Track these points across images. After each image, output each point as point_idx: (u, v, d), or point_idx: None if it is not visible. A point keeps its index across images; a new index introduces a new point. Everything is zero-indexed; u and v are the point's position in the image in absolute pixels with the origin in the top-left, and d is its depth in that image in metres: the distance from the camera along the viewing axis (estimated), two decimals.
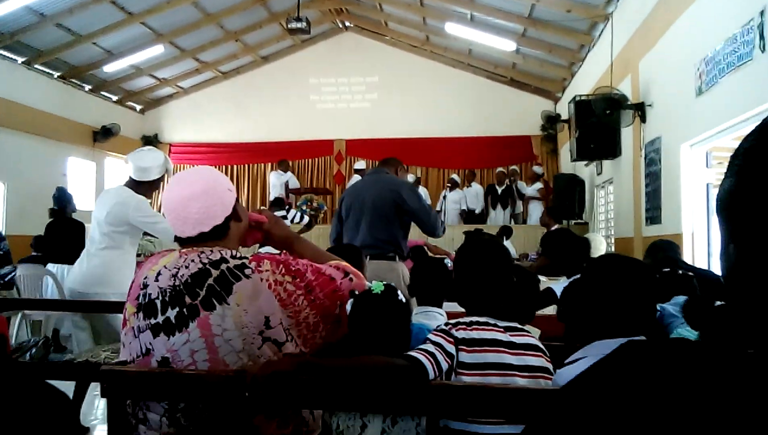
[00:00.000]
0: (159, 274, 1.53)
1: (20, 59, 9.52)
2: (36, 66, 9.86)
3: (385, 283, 1.66)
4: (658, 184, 5.80)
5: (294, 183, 11.42)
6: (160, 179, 3.59)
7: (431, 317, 2.26)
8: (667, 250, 3.37)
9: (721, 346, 0.55)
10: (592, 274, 1.55)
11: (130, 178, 3.51)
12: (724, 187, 0.60)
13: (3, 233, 4.92)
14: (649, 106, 6.18)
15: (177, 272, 1.52)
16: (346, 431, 1.53)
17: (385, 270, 3.42)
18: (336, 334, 1.64)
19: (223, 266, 1.51)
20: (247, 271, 1.50)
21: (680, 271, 2.52)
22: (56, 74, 10.42)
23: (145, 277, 1.55)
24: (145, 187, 3.51)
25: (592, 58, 8.85)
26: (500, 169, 11.36)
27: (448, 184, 11.17)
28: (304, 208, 6.38)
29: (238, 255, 1.56)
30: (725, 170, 0.61)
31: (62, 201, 5.95)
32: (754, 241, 0.55)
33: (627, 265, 1.52)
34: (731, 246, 0.59)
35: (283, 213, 6.36)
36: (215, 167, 12.91)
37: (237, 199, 1.67)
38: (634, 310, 1.47)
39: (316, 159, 12.98)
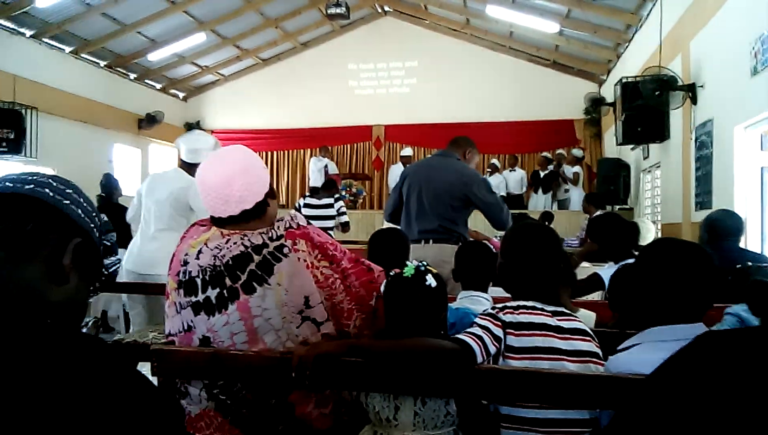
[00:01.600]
0: (200, 251, 1.54)
1: (68, 49, 9.76)
2: (83, 55, 10.10)
3: (416, 265, 1.62)
4: (710, 168, 5.60)
5: (332, 168, 11.44)
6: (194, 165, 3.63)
7: (476, 302, 2.23)
8: (724, 231, 3.19)
9: None
10: (648, 258, 1.49)
11: (182, 160, 3.56)
12: None
13: (110, 224, 5.06)
14: (701, 87, 5.96)
15: (218, 252, 1.51)
16: (381, 412, 1.52)
17: (449, 254, 3.38)
18: (371, 328, 1.63)
19: (265, 251, 1.50)
20: (285, 250, 1.50)
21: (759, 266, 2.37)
22: (102, 63, 10.65)
23: (186, 254, 1.55)
24: (195, 170, 3.55)
25: (639, 38, 8.57)
26: (544, 153, 11.12)
27: (489, 169, 11.04)
28: (343, 193, 6.33)
29: (275, 235, 1.54)
30: None
31: (109, 187, 6.10)
32: None
33: (684, 249, 1.46)
34: None
35: (330, 201, 6.28)
36: (257, 153, 13.17)
37: (270, 176, 1.68)
38: (692, 295, 1.41)
39: (355, 145, 12.99)
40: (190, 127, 13.32)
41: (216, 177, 1.56)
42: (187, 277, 1.52)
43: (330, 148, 11.94)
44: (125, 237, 3.76)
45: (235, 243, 1.52)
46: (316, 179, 11.02)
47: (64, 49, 9.70)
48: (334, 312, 1.53)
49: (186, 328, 1.52)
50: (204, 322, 1.49)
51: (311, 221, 5.82)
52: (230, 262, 1.49)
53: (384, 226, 3.25)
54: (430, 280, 1.61)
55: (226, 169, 1.56)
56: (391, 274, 1.62)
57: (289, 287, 1.46)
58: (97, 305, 5.29)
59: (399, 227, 3.52)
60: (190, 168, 3.52)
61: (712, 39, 5.66)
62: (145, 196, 3.58)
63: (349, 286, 1.54)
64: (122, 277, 3.64)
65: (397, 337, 1.55)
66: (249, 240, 1.53)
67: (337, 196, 6.49)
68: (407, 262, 1.61)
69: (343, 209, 6.38)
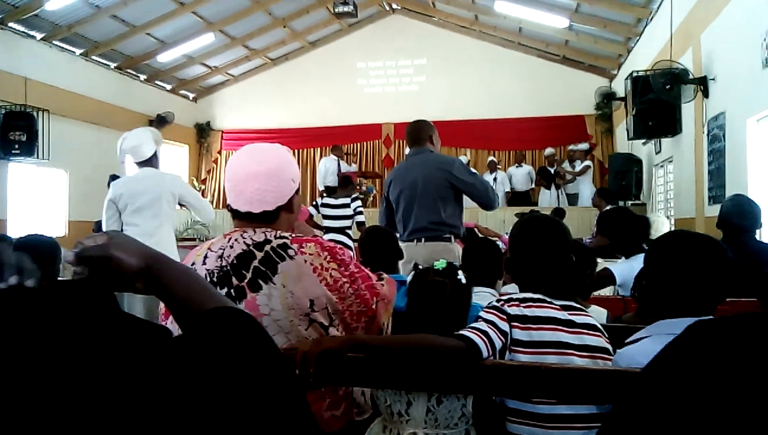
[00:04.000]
0: (206, 256, 1.54)
1: (78, 51, 9.83)
2: (93, 57, 10.17)
3: (447, 261, 1.64)
4: (722, 162, 5.53)
5: (345, 167, 11.42)
6: (155, 156, 3.77)
7: (483, 299, 2.21)
8: (741, 216, 3.12)
9: None
10: (659, 250, 1.47)
11: (138, 163, 3.69)
12: None
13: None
14: (712, 80, 5.89)
15: (222, 253, 1.52)
16: (393, 405, 1.51)
17: (441, 251, 3.36)
18: (369, 333, 1.62)
19: (267, 247, 1.50)
20: (290, 252, 1.49)
21: None
22: (113, 65, 10.73)
23: (193, 263, 1.56)
24: (155, 163, 3.77)
25: (649, 32, 8.49)
26: (550, 150, 11.03)
27: (489, 168, 11.00)
28: (360, 206, 6.29)
29: (279, 234, 1.54)
30: None
31: None
32: None
33: (696, 242, 1.43)
34: None
35: (347, 200, 6.25)
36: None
37: (297, 191, 1.63)
38: (703, 288, 1.38)
39: (365, 143, 12.97)
40: (200, 127, 13.40)
41: (238, 168, 1.56)
42: None
43: (342, 147, 11.94)
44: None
45: (236, 241, 1.53)
46: (327, 178, 11.01)
47: (74, 51, 9.77)
48: (343, 316, 1.52)
49: None
50: None
51: (330, 221, 5.78)
52: (235, 261, 1.49)
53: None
54: (461, 276, 1.61)
55: (251, 166, 1.55)
56: (419, 267, 1.63)
57: (294, 289, 1.46)
58: None
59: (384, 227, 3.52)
60: (149, 164, 3.71)
61: (722, 31, 5.60)
62: (130, 201, 3.65)
63: (358, 290, 1.53)
64: None
65: (418, 329, 1.55)
66: (251, 238, 1.53)
67: (354, 195, 6.46)
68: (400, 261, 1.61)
69: (360, 209, 6.34)
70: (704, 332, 0.54)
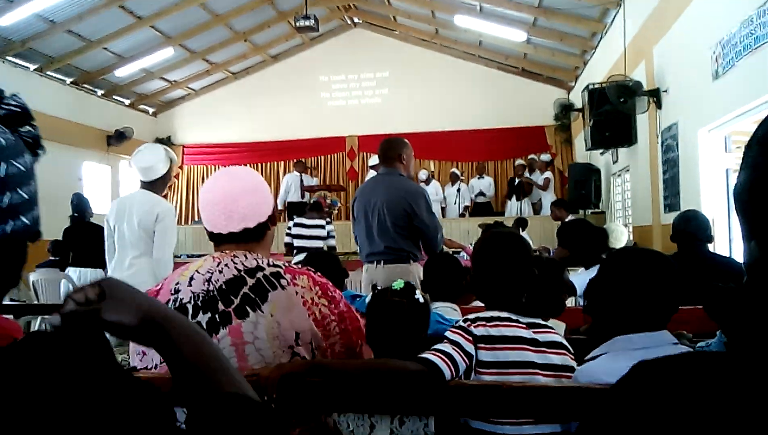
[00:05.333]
0: (192, 278, 1.49)
1: (32, 66, 9.60)
2: (48, 72, 9.95)
3: (405, 281, 1.65)
4: (676, 171, 5.70)
5: (307, 180, 11.39)
6: (171, 172, 3.58)
7: (444, 313, 2.23)
8: (693, 229, 3.21)
9: (736, 356, 0.51)
10: (611, 268, 1.51)
11: (141, 181, 3.50)
12: (740, 180, 0.55)
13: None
14: (665, 91, 6.08)
15: (210, 277, 1.48)
16: (356, 430, 1.51)
17: (400, 274, 3.37)
18: None
19: (259, 274, 1.47)
20: (283, 282, 1.47)
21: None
22: (69, 80, 10.50)
23: (177, 283, 1.51)
24: (158, 185, 3.52)
25: (604, 45, 8.73)
26: (519, 161, 11.22)
27: (451, 179, 11.13)
28: (333, 232, 6.27)
29: (273, 262, 1.52)
30: (740, 162, 0.56)
31: (81, 207, 6.02)
32: None
33: (646, 259, 1.47)
34: (752, 242, 0.54)
35: (321, 222, 6.22)
36: (227, 167, 13.05)
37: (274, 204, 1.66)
38: (655, 304, 1.42)
39: (329, 156, 12.96)
40: (160, 142, 13.18)
41: (222, 192, 1.54)
42: (177, 304, 1.47)
43: (304, 160, 11.91)
44: (99, 257, 3.69)
45: (227, 265, 1.49)
46: (290, 195, 10.95)
47: (28, 67, 9.54)
48: (324, 353, 1.50)
49: None
50: None
51: (303, 241, 5.65)
52: (223, 287, 1.46)
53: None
54: (419, 295, 1.62)
55: (234, 184, 1.55)
56: (378, 288, 1.63)
57: (281, 320, 1.43)
58: None
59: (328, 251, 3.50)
60: (152, 185, 3.49)
61: (674, 45, 5.79)
62: (116, 222, 3.50)
63: (345, 329, 1.51)
64: None
65: (380, 354, 1.54)
66: (242, 263, 1.49)
67: (328, 219, 6.45)
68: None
69: (333, 233, 6.33)
70: (647, 373, 0.55)
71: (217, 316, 1.43)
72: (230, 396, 0.72)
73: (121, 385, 0.63)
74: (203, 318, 1.44)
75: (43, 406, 0.55)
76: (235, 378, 0.76)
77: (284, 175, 13.04)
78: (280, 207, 10.63)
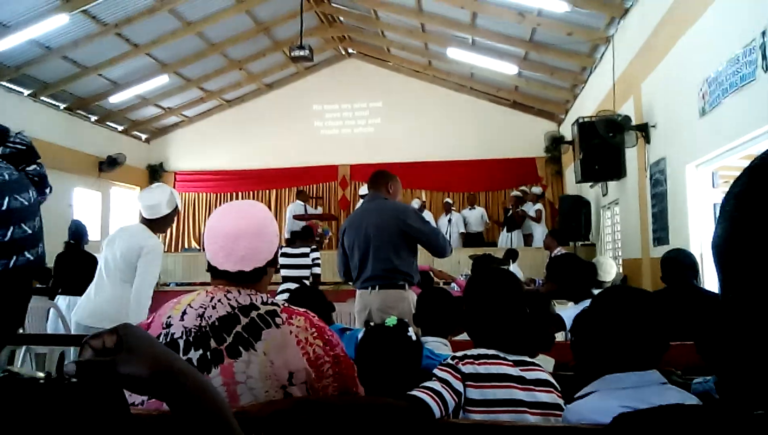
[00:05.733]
0: (184, 313, 1.47)
1: (27, 91, 9.63)
2: (42, 98, 9.97)
3: (398, 318, 1.65)
4: (665, 205, 5.76)
5: (310, 210, 11.27)
6: (173, 214, 3.61)
7: (434, 347, 2.22)
8: (681, 267, 3.26)
9: (715, 410, 0.52)
10: (600, 307, 1.52)
11: (143, 217, 3.53)
12: (717, 233, 0.56)
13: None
14: (653, 127, 6.17)
15: (204, 312, 1.46)
16: None
17: (395, 299, 3.38)
18: None
19: (254, 313, 1.45)
20: (278, 320, 1.45)
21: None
22: (62, 106, 10.53)
23: (169, 317, 1.49)
24: (158, 224, 3.55)
25: (594, 79, 8.88)
26: (515, 192, 11.25)
27: (444, 209, 11.16)
28: (318, 260, 6.28)
29: (270, 301, 1.50)
30: (718, 216, 0.57)
31: (78, 234, 5.99)
32: (751, 293, 0.51)
33: (636, 299, 1.48)
34: (730, 295, 0.55)
35: (306, 250, 6.20)
36: (222, 194, 13.01)
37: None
38: (645, 343, 1.43)
39: (321, 184, 12.99)
40: (152, 169, 13.19)
41: (227, 227, 1.51)
42: (168, 339, 1.45)
43: (305, 191, 11.92)
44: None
45: (220, 301, 1.47)
46: (294, 224, 10.93)
47: (22, 92, 9.56)
48: (316, 395, 1.47)
49: None
50: None
51: (288, 270, 5.60)
52: (216, 323, 1.44)
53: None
54: (411, 333, 1.62)
55: (240, 223, 1.51)
56: (370, 324, 1.63)
57: (275, 359, 1.41)
58: (52, 357, 5.10)
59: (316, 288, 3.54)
60: (151, 224, 3.53)
61: (662, 81, 5.89)
62: (106, 247, 3.54)
63: (339, 373, 1.48)
64: (72, 330, 3.57)
65: (371, 390, 1.53)
66: (236, 300, 1.47)
67: (313, 246, 6.43)
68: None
69: (318, 261, 6.30)
70: (627, 427, 0.56)
71: (208, 353, 1.41)
72: None
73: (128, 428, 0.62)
74: (194, 355, 1.42)
75: None
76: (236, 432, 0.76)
77: (276, 202, 13.06)
78: (286, 235, 10.56)
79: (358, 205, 10.68)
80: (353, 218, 3.79)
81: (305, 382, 1.43)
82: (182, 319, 1.46)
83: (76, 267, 5.51)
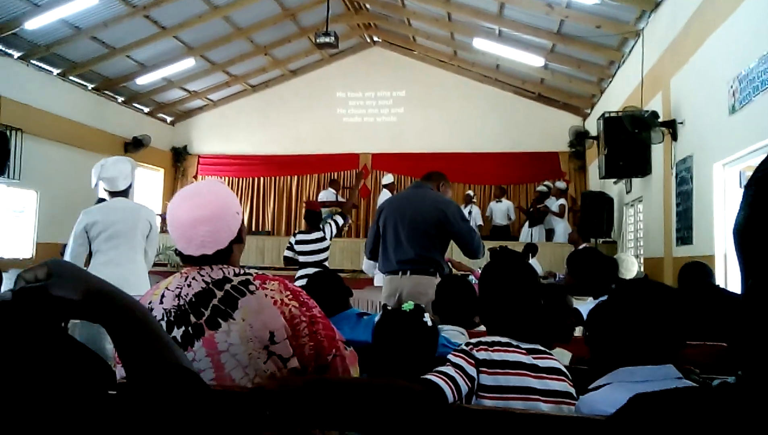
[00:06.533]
0: (163, 296, 1.53)
1: (56, 71, 9.77)
2: (71, 77, 10.11)
3: (415, 304, 1.65)
4: (690, 204, 5.67)
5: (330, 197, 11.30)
6: (129, 186, 3.75)
7: (453, 337, 2.22)
8: (700, 274, 3.26)
9: (734, 392, 0.51)
10: (620, 299, 1.50)
11: (107, 191, 3.67)
12: (739, 218, 0.55)
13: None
14: (681, 123, 6.07)
15: (180, 292, 1.51)
16: None
17: (426, 285, 3.41)
18: None
19: (227, 286, 1.50)
20: (252, 287, 1.50)
21: None
22: (90, 86, 10.67)
23: (150, 302, 1.55)
24: (130, 195, 3.70)
25: (622, 74, 8.75)
26: (540, 187, 11.10)
27: (464, 201, 11.08)
28: (329, 221, 6.25)
29: (242, 271, 1.55)
30: (740, 201, 0.56)
31: None
32: None
33: (656, 292, 1.46)
34: (750, 281, 0.54)
35: (320, 234, 6.23)
36: (243, 179, 13.08)
37: (242, 221, 1.64)
38: (662, 337, 1.41)
39: (342, 172, 13.02)
40: (176, 151, 13.32)
41: (183, 215, 1.54)
42: None
43: (338, 181, 11.96)
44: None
45: (194, 279, 1.52)
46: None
47: (51, 72, 9.71)
48: (296, 353, 1.52)
49: None
50: None
51: (307, 256, 5.61)
52: (193, 299, 1.49)
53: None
54: (427, 318, 1.62)
55: (195, 211, 1.54)
56: (387, 308, 1.64)
57: (253, 322, 1.45)
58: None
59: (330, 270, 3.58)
60: (121, 195, 3.69)
61: (691, 77, 5.79)
62: (103, 228, 3.57)
63: (315, 332, 1.52)
64: None
65: (386, 374, 1.54)
66: (209, 275, 1.52)
67: (322, 224, 6.42)
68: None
69: (331, 227, 6.25)
70: (643, 406, 0.56)
71: (190, 328, 1.46)
72: (171, 366, 0.79)
73: (64, 349, 0.69)
74: (177, 332, 1.47)
75: None
76: (174, 351, 0.83)
77: (297, 189, 13.12)
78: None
79: (381, 194, 10.72)
80: (394, 200, 3.86)
81: (287, 339, 1.46)
82: (161, 302, 1.52)
83: None
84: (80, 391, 0.66)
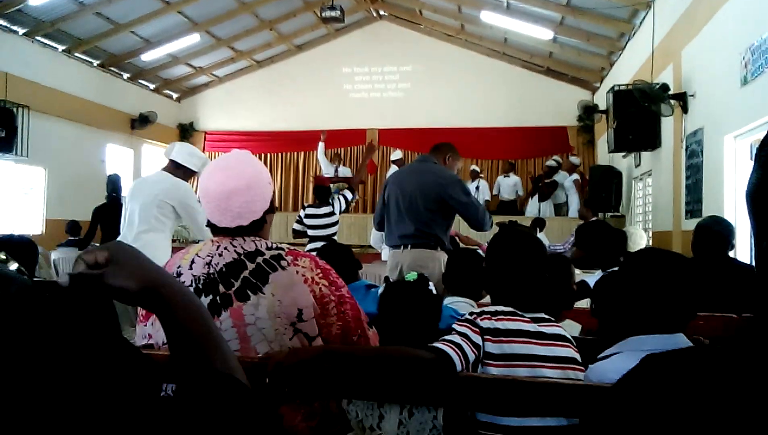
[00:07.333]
0: (192, 262, 1.53)
1: (61, 47, 9.73)
2: (76, 54, 10.07)
3: (419, 273, 1.66)
4: (700, 177, 5.62)
5: (343, 172, 11.20)
6: (195, 173, 3.69)
7: (461, 308, 2.23)
8: (715, 238, 3.11)
9: (746, 350, 0.51)
10: (630, 268, 1.49)
11: (172, 162, 3.60)
12: (752, 180, 0.54)
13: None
14: (691, 96, 6.00)
15: (211, 260, 1.51)
16: (365, 420, 1.52)
17: (427, 258, 3.41)
18: None
19: (259, 259, 1.50)
20: (283, 263, 1.49)
21: None
22: (95, 62, 10.62)
23: (179, 266, 1.54)
24: (181, 174, 3.61)
25: (632, 46, 8.62)
26: (550, 162, 11.01)
27: (471, 176, 11.01)
28: (338, 196, 6.24)
29: (274, 246, 1.54)
30: (753, 163, 0.55)
31: (118, 187, 6.15)
32: None
33: (667, 260, 1.46)
34: (764, 243, 0.53)
35: (329, 209, 6.23)
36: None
37: (273, 191, 1.65)
38: (673, 306, 1.41)
39: (349, 148, 12.96)
40: (183, 128, 13.32)
41: (218, 187, 1.54)
42: None
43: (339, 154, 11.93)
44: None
45: (226, 249, 1.52)
46: (325, 169, 10.99)
47: (57, 48, 9.67)
48: (321, 333, 1.52)
49: None
50: None
51: (316, 230, 5.66)
52: (224, 269, 1.49)
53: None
54: (432, 287, 1.63)
55: (229, 182, 1.53)
56: (391, 280, 1.65)
57: (282, 298, 1.45)
58: None
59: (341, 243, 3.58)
60: (178, 170, 3.61)
61: (703, 48, 5.70)
62: (130, 200, 3.61)
63: (343, 313, 1.53)
64: None
65: (391, 344, 1.55)
66: (242, 247, 1.52)
67: (331, 199, 6.42)
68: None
69: (340, 202, 6.25)
70: (655, 366, 0.55)
71: (218, 298, 1.46)
72: (218, 374, 0.76)
73: (113, 348, 0.67)
74: (205, 301, 1.47)
75: (32, 358, 0.60)
76: (227, 358, 0.79)
77: (304, 164, 13.11)
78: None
79: (389, 169, 10.68)
80: (399, 174, 3.85)
81: (314, 317, 1.46)
82: (191, 268, 1.52)
83: (114, 218, 5.66)
84: (128, 392, 0.65)
